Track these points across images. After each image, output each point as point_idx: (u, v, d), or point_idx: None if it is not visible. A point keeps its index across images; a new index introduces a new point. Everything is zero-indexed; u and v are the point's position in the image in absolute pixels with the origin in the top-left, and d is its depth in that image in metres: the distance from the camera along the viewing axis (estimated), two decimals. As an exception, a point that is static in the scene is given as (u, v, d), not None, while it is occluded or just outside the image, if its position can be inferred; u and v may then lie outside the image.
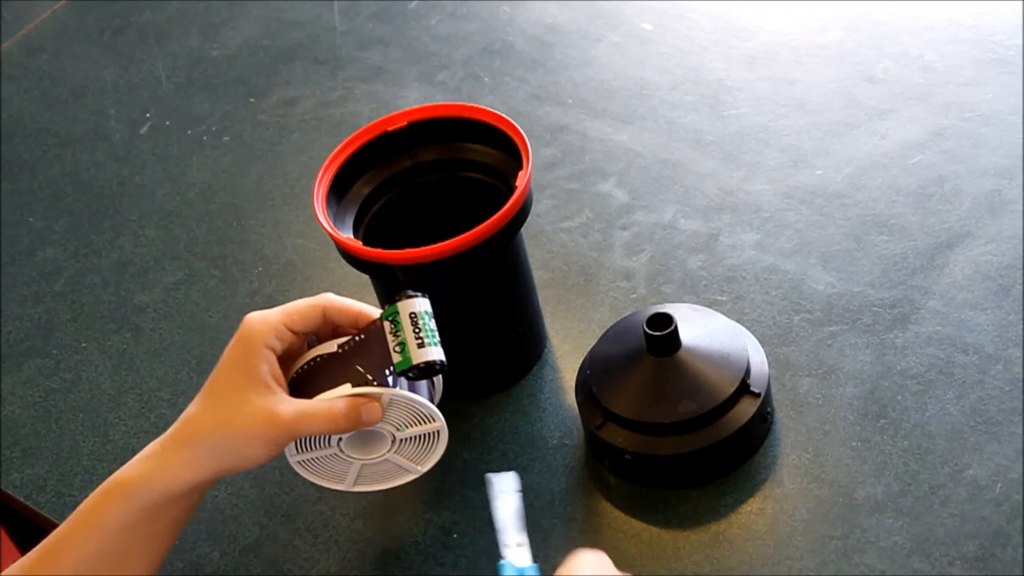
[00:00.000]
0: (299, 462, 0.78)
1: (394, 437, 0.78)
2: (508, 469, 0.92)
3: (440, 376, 0.82)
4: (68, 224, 1.27)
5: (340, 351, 0.80)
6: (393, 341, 0.77)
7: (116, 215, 1.27)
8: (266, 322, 0.78)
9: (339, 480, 0.80)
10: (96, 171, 1.33)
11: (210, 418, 0.77)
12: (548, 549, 0.86)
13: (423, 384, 0.81)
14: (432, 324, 0.79)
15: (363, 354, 0.77)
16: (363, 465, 0.80)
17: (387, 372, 0.77)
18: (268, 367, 0.77)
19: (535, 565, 0.78)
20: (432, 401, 0.80)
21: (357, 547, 0.92)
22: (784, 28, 1.27)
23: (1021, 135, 1.07)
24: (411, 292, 0.78)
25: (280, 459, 0.82)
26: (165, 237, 1.23)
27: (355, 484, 0.81)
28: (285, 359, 0.80)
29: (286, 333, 0.79)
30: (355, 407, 0.76)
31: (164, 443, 0.78)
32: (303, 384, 0.78)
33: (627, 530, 0.88)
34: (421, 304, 0.79)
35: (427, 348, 0.77)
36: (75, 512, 0.78)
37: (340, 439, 0.78)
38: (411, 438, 0.79)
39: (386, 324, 0.78)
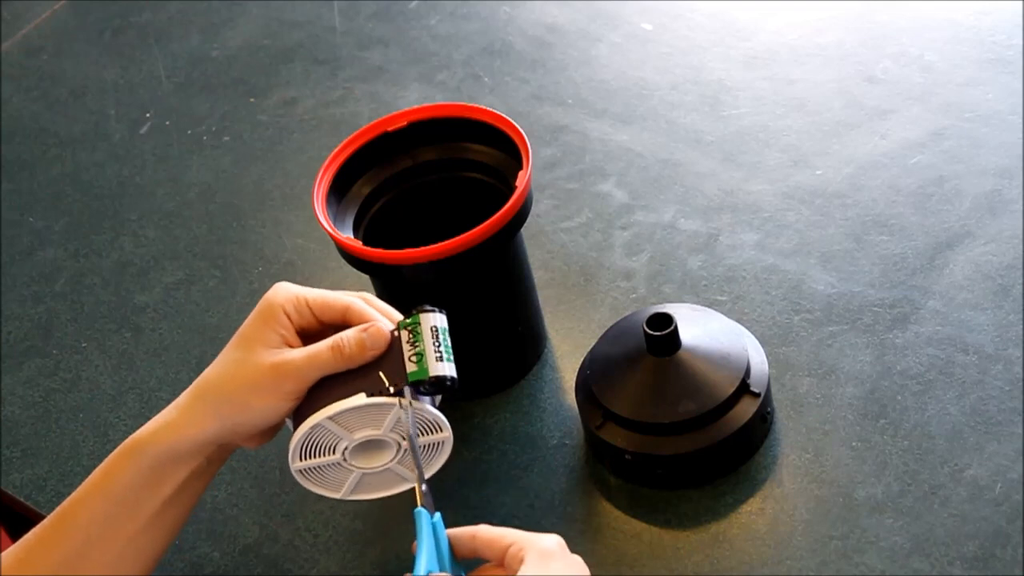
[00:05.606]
0: (300, 470, 0.78)
1: (400, 446, 0.78)
2: (508, 469, 0.93)
3: None
4: (68, 224, 1.27)
5: None
6: (410, 351, 0.76)
7: (116, 215, 1.27)
8: (290, 291, 0.79)
9: (336, 488, 0.80)
10: (96, 171, 1.33)
11: (217, 372, 0.78)
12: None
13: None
14: (449, 342, 0.78)
15: (376, 362, 0.77)
16: (363, 474, 0.80)
17: (401, 381, 0.76)
18: (284, 330, 0.77)
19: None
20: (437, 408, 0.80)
21: (357, 547, 0.92)
22: (784, 28, 1.27)
23: (1021, 135, 1.07)
24: (430, 307, 0.78)
25: (281, 460, 0.83)
26: (165, 237, 1.23)
27: (352, 493, 0.81)
28: (300, 336, 0.80)
29: (305, 310, 0.78)
30: (360, 340, 0.76)
31: (176, 402, 0.78)
32: (314, 394, 0.77)
33: (627, 530, 0.88)
34: (441, 320, 0.78)
35: (444, 363, 0.76)
36: (92, 473, 0.78)
37: (346, 447, 0.77)
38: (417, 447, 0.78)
39: (403, 333, 0.77)
